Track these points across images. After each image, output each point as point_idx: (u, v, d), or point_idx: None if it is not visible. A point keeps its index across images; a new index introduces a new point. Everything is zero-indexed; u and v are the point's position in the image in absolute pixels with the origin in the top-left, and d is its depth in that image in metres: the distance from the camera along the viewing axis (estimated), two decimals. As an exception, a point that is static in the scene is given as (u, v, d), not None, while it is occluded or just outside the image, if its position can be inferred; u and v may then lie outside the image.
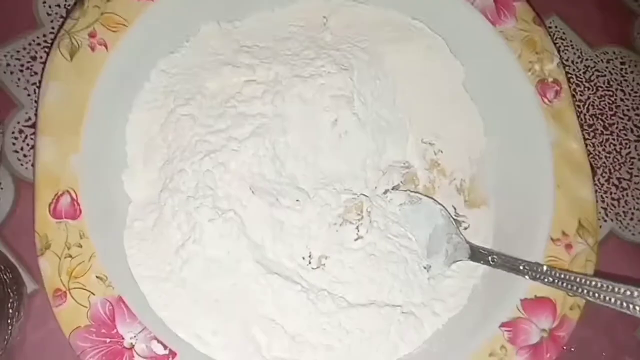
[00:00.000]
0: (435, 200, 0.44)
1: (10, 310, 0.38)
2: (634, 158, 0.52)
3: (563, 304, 0.37)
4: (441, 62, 0.47)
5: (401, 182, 0.45)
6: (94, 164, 0.38)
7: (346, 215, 0.42)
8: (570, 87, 0.44)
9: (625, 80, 0.54)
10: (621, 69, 0.55)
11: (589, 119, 0.52)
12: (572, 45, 0.55)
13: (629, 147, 0.52)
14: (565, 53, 0.54)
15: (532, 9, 0.45)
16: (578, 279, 0.34)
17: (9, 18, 0.47)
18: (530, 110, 0.43)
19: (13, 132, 0.45)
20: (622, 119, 0.53)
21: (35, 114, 0.45)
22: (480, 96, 0.46)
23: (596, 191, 0.41)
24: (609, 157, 0.52)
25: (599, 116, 0.53)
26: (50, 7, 0.48)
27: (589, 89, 0.54)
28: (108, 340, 0.34)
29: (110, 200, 0.39)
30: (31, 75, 0.46)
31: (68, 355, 0.37)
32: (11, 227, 0.42)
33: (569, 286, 0.34)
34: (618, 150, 0.52)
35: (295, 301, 0.38)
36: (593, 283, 0.33)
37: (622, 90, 0.54)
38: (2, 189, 0.43)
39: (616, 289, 0.32)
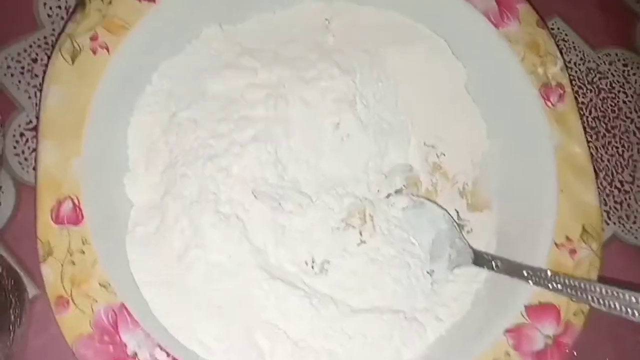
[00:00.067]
0: (437, 204, 0.44)
1: (12, 317, 0.37)
2: (636, 161, 0.52)
3: (567, 310, 0.37)
4: (443, 64, 0.47)
5: (404, 185, 0.44)
6: (96, 168, 0.38)
7: (349, 219, 0.42)
8: (573, 89, 0.44)
9: (628, 83, 0.54)
10: (623, 71, 0.54)
11: (591, 122, 0.52)
12: (574, 47, 0.54)
13: (632, 150, 0.52)
14: (568, 55, 0.54)
15: (535, 11, 0.45)
16: (582, 285, 0.34)
17: (9, 20, 0.47)
18: (533, 114, 0.43)
19: (14, 135, 0.44)
20: (625, 121, 0.53)
21: (36, 117, 0.45)
22: (482, 99, 0.46)
23: (598, 194, 0.41)
24: (612, 159, 0.51)
25: (601, 118, 0.53)
26: (50, 8, 0.47)
27: (591, 91, 0.53)
28: (111, 348, 0.33)
29: (112, 205, 0.39)
30: (32, 78, 0.46)
31: (71, 361, 0.37)
32: (12, 231, 0.42)
33: (573, 292, 0.34)
34: (620, 152, 0.52)
35: (298, 306, 0.38)
36: (597, 289, 0.33)
37: (625, 93, 0.54)
38: (2, 192, 0.43)
39: (621, 295, 0.32)
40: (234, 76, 0.43)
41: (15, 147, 0.44)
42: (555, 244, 0.39)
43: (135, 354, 0.34)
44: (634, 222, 0.50)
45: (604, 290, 0.33)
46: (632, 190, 0.51)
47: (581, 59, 0.54)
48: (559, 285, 0.35)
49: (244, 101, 0.43)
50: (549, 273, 0.36)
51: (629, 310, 0.32)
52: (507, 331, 0.37)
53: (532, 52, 0.43)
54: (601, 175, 0.50)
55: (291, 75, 0.43)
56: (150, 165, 0.41)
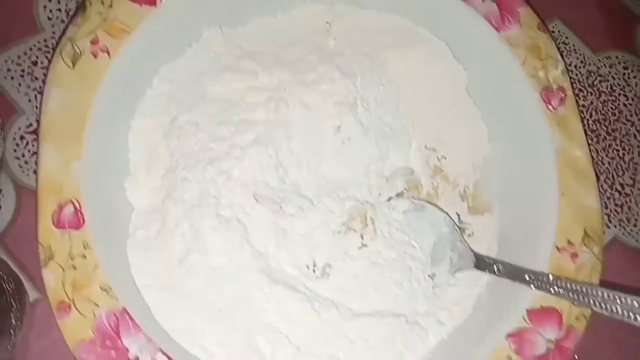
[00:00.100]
0: (439, 207, 0.43)
1: (13, 320, 0.37)
2: (637, 164, 0.52)
3: (569, 314, 0.37)
4: (444, 67, 0.47)
5: (405, 189, 0.44)
6: (97, 172, 0.38)
7: (350, 223, 0.42)
8: (573, 93, 0.44)
9: (628, 85, 0.54)
10: (624, 74, 0.54)
11: (592, 125, 0.52)
12: (574, 49, 0.54)
13: (632, 153, 0.52)
14: (568, 58, 0.54)
15: (537, 14, 0.45)
16: (584, 289, 0.34)
17: (9, 23, 0.46)
18: (534, 117, 0.43)
19: (14, 138, 0.44)
20: (625, 124, 0.53)
21: (37, 120, 0.45)
22: (484, 102, 0.46)
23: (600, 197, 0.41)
24: (612, 162, 0.51)
25: (602, 121, 0.53)
26: (50, 11, 0.47)
27: (591, 94, 0.53)
28: (113, 353, 0.33)
29: (113, 208, 0.39)
30: (32, 81, 0.46)
31: (72, 364, 0.37)
32: (13, 235, 0.42)
33: (575, 296, 0.34)
34: (621, 155, 0.52)
35: (300, 311, 0.38)
36: (599, 293, 0.33)
37: (625, 95, 0.54)
38: (3, 196, 0.43)
39: (623, 300, 0.32)
40: (235, 79, 0.43)
41: (15, 150, 0.44)
42: (557, 247, 0.39)
43: (137, 359, 0.34)
44: (635, 225, 0.50)
45: (606, 295, 0.33)
46: (632, 193, 0.51)
47: (582, 61, 0.54)
48: (561, 290, 0.35)
49: (245, 104, 0.42)
50: (550, 277, 0.36)
51: (631, 314, 0.31)
52: (509, 335, 0.37)
53: (533, 55, 0.43)
54: (602, 178, 0.51)
55: (292, 78, 0.43)
56: (151, 168, 0.41)
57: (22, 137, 0.44)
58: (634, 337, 0.44)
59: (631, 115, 0.53)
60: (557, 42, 0.53)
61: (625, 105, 0.54)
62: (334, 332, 0.39)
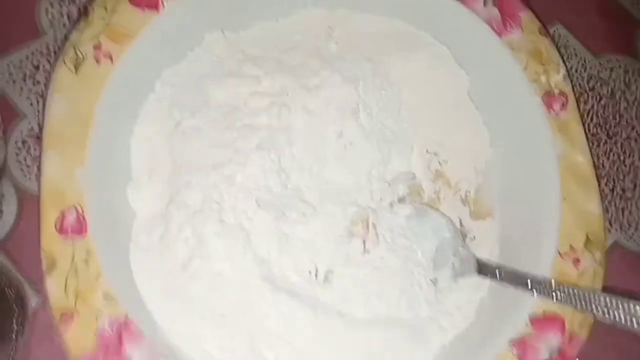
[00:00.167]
0: (441, 212, 0.43)
1: (15, 325, 0.37)
2: (638, 167, 0.52)
3: (572, 321, 0.37)
4: (446, 72, 0.47)
5: (407, 193, 0.44)
6: (100, 177, 0.38)
7: (352, 228, 0.42)
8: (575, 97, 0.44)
9: (629, 89, 0.54)
10: (625, 78, 0.55)
11: (593, 128, 0.52)
12: (575, 53, 0.54)
13: (633, 157, 0.52)
14: (569, 61, 0.54)
15: (538, 19, 0.45)
16: (587, 296, 0.34)
17: (11, 27, 0.46)
18: (535, 122, 0.43)
19: (16, 143, 0.44)
20: (626, 128, 0.53)
21: (39, 124, 0.44)
22: (485, 107, 0.46)
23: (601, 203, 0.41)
24: (613, 166, 0.52)
25: (603, 125, 0.53)
26: (52, 15, 0.47)
27: (592, 97, 0.54)
28: (116, 360, 0.33)
29: (116, 214, 0.39)
30: (34, 85, 0.46)
31: (74, 370, 0.37)
32: (15, 240, 0.42)
33: (578, 303, 0.34)
34: (622, 159, 0.52)
35: (302, 317, 0.38)
36: (602, 300, 0.33)
37: (626, 99, 0.54)
38: (5, 201, 0.43)
39: (626, 306, 0.32)
40: (237, 84, 0.43)
41: (17, 155, 0.44)
42: (559, 253, 0.39)
43: (140, 366, 0.34)
44: (636, 229, 0.50)
45: (608, 301, 0.33)
46: (633, 197, 0.51)
47: (582, 65, 0.54)
48: (564, 296, 0.35)
49: (247, 109, 0.42)
50: (553, 283, 0.36)
51: (634, 320, 0.32)
52: (512, 341, 0.37)
53: (534, 60, 0.43)
54: (602, 182, 0.51)
55: (294, 83, 0.43)
56: (153, 174, 0.41)
57: (24, 142, 0.44)
58: (636, 344, 0.44)
59: (632, 119, 0.53)
60: (558, 46, 0.53)
61: (625, 109, 0.54)
62: (336, 339, 0.39)
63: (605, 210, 0.50)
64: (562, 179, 0.41)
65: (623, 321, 0.32)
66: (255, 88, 0.43)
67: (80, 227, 0.35)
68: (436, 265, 0.42)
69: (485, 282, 0.41)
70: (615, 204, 0.50)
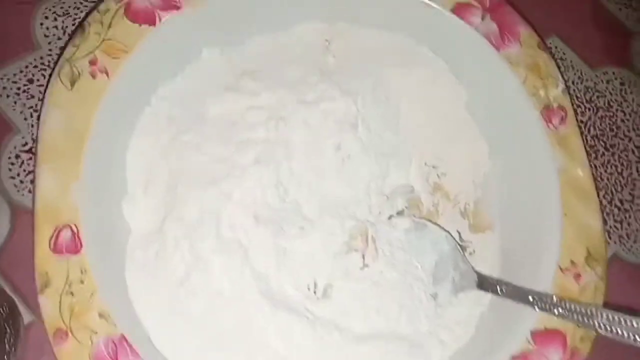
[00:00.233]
0: (440, 226, 0.43)
1: (7, 347, 0.36)
2: (635, 179, 0.52)
3: (573, 336, 0.37)
4: (444, 85, 0.47)
5: (405, 207, 0.44)
6: (95, 193, 0.37)
7: (351, 242, 0.41)
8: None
9: (625, 101, 0.55)
10: (621, 90, 0.55)
11: (590, 140, 0.52)
12: (572, 66, 0.55)
13: (631, 168, 0.52)
14: (566, 74, 0.54)
15: (537, 33, 0.45)
16: (588, 311, 0.33)
17: (5, 40, 0.46)
18: (535, 136, 0.42)
19: (9, 157, 0.44)
20: (623, 139, 0.53)
21: (32, 139, 0.44)
22: (484, 121, 0.46)
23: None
24: (611, 178, 0.52)
25: (600, 137, 0.53)
26: (47, 28, 0.47)
27: (589, 109, 0.54)
28: (112, 381, 0.33)
29: (111, 230, 0.38)
30: (28, 99, 0.45)
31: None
32: (7, 256, 0.41)
33: (579, 318, 0.34)
34: (620, 171, 0.52)
35: (301, 333, 0.38)
36: (604, 315, 0.33)
37: (623, 111, 0.54)
38: (-2, 217, 0.42)
39: (628, 322, 0.32)
40: (234, 98, 0.43)
41: (10, 170, 0.43)
42: (560, 268, 0.38)
43: (136, 386, 0.33)
44: (635, 241, 0.50)
45: (610, 317, 0.33)
46: (632, 209, 0.51)
47: (579, 77, 0.54)
48: (565, 311, 0.35)
49: (245, 123, 0.42)
50: (554, 298, 0.35)
51: (636, 336, 0.31)
52: (513, 357, 0.37)
53: (533, 74, 0.43)
54: (601, 194, 0.50)
55: (292, 97, 0.43)
56: (149, 189, 0.40)
57: (17, 156, 0.44)
58: (637, 358, 0.44)
59: (629, 131, 0.54)
60: (555, 59, 0.54)
61: (622, 120, 0.54)
62: (335, 354, 0.38)
63: (604, 222, 0.50)
64: (562, 193, 0.41)
65: (625, 337, 0.32)
66: (253, 102, 0.43)
67: (75, 246, 0.35)
68: (436, 280, 0.41)
69: (486, 297, 0.41)
70: (613, 216, 0.50)
